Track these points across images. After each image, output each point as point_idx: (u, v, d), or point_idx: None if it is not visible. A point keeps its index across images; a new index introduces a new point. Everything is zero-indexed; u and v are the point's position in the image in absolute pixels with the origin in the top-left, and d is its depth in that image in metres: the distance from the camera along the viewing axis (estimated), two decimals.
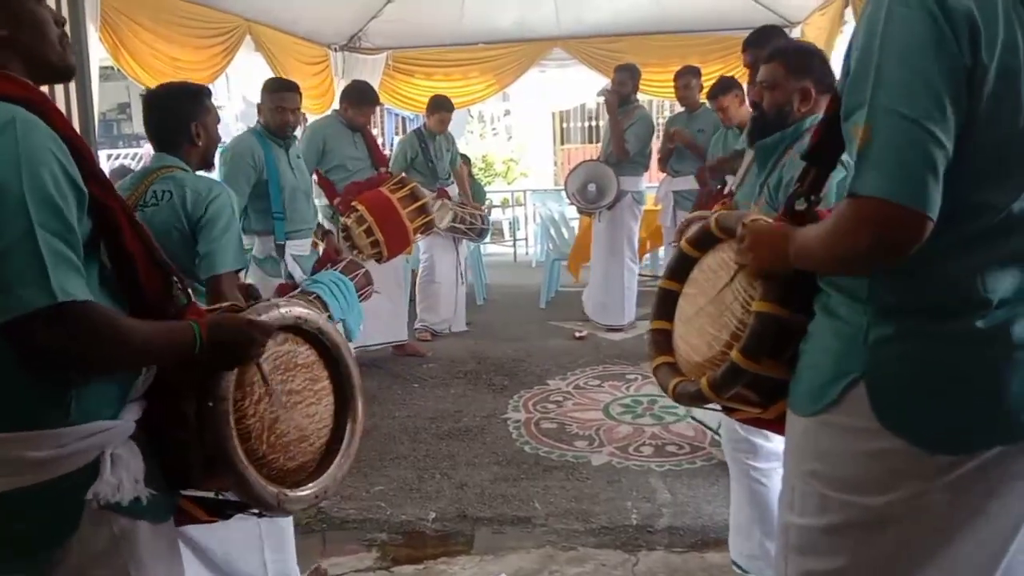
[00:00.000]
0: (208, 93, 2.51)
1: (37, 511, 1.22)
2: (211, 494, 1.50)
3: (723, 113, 4.71)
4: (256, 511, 1.53)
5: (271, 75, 5.93)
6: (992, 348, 1.22)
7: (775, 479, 2.48)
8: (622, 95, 5.75)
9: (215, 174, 2.95)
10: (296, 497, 1.53)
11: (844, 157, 1.49)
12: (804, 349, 1.38)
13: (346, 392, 1.69)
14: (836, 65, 2.57)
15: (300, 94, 4.00)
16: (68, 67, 1.36)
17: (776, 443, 2.39)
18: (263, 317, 1.48)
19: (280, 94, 3.91)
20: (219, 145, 2.57)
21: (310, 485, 1.58)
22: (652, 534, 3.08)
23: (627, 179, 5.78)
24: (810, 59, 2.32)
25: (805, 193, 1.46)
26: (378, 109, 8.95)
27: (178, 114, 2.37)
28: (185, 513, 1.52)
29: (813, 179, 1.47)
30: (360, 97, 5.10)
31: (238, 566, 2.45)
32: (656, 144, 6.08)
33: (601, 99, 5.93)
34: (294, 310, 1.59)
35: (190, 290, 1.45)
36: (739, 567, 2.63)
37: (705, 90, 5.75)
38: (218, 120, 2.50)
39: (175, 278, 1.38)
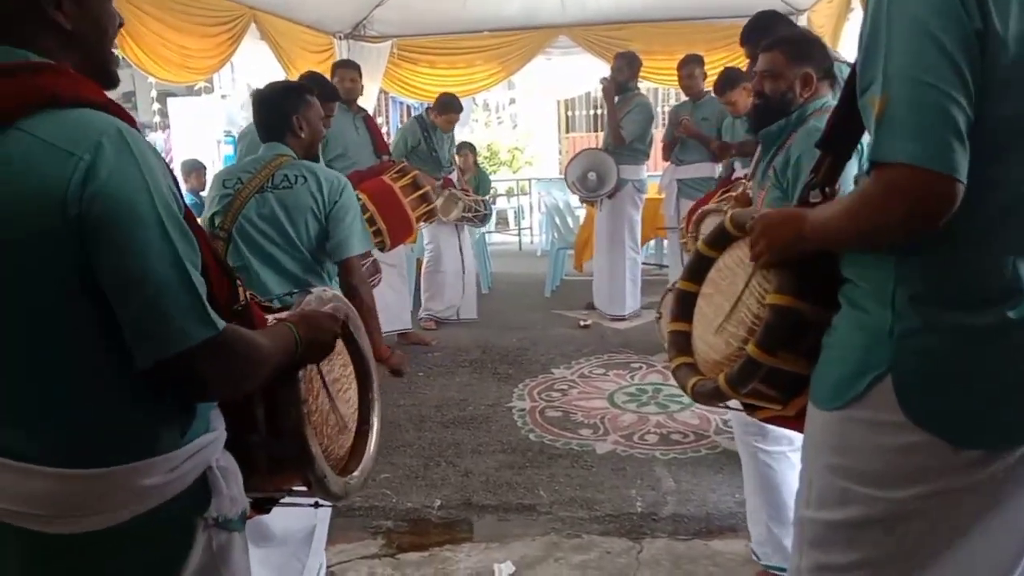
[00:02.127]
0: (310, 90, 2.68)
1: (151, 540, 1.15)
2: (264, 494, 1.47)
3: (732, 107, 4.67)
4: (314, 503, 1.53)
5: (276, 63, 5.95)
6: (1021, 340, 1.19)
7: (783, 463, 2.49)
8: (619, 82, 5.72)
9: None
10: (355, 483, 1.56)
11: (860, 146, 1.49)
12: (827, 343, 1.35)
13: (366, 374, 1.72)
14: (844, 51, 2.57)
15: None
16: (116, 77, 1.25)
17: None
18: (327, 308, 1.51)
19: (331, 104, 3.91)
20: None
21: (359, 469, 1.60)
22: (656, 522, 3.09)
23: (628, 168, 5.75)
24: (809, 45, 2.35)
25: (820, 184, 1.45)
26: (383, 97, 8.95)
27: (281, 108, 2.57)
28: None
29: (828, 169, 1.45)
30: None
31: (289, 535, 2.49)
32: (659, 133, 6.05)
33: (601, 87, 5.87)
34: (331, 299, 1.61)
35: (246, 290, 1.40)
36: (755, 554, 2.64)
37: (709, 79, 5.75)
38: (321, 115, 2.66)
39: (238, 280, 1.33)
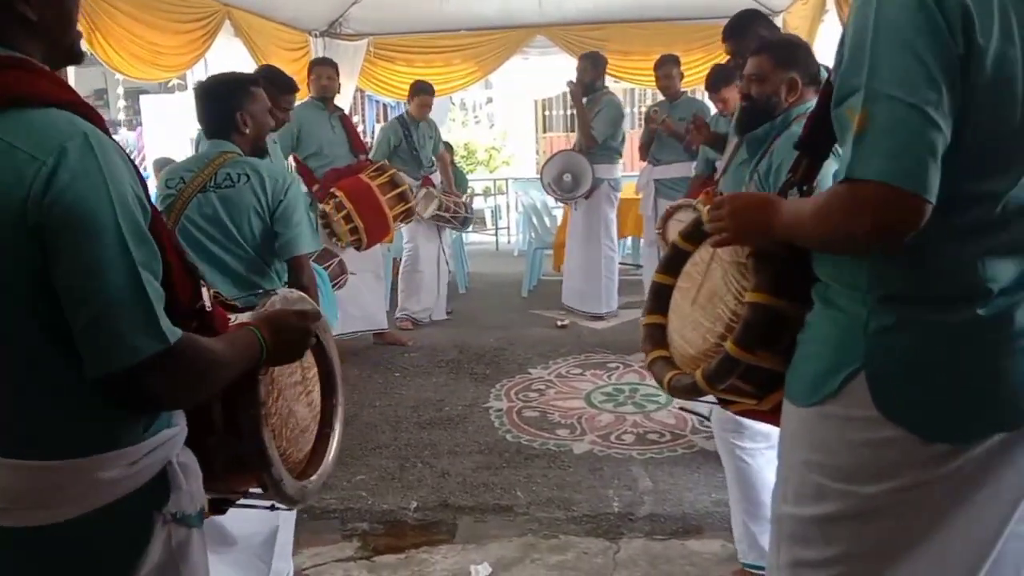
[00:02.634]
0: (255, 82, 2.59)
1: (108, 534, 1.14)
2: (221, 495, 1.46)
3: (723, 104, 4.67)
4: (269, 505, 1.51)
5: (250, 61, 5.88)
6: (994, 337, 1.22)
7: (759, 459, 2.50)
8: (584, 83, 5.76)
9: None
10: (312, 487, 1.54)
11: (837, 148, 1.50)
12: (802, 339, 1.37)
13: (330, 375, 1.69)
14: (819, 54, 2.61)
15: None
16: (82, 54, 1.24)
17: (763, 424, 2.40)
18: (296, 308, 1.48)
19: (288, 96, 3.85)
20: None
21: (317, 473, 1.58)
22: (633, 522, 3.09)
23: (602, 167, 5.79)
24: (796, 51, 2.38)
25: (798, 183, 1.47)
26: (359, 95, 8.89)
27: (225, 103, 2.49)
28: None
29: (806, 169, 1.47)
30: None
31: (252, 538, 2.47)
32: (635, 133, 6.08)
33: (566, 89, 5.92)
34: (299, 300, 1.59)
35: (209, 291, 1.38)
36: (739, 552, 2.65)
37: (686, 79, 5.76)
38: (267, 107, 2.58)
39: (201, 279, 1.31)
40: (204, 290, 1.28)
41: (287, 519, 2.58)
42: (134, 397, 1.10)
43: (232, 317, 1.39)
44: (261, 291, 2.43)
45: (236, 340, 1.26)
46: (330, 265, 3.69)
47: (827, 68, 2.98)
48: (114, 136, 1.16)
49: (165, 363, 1.08)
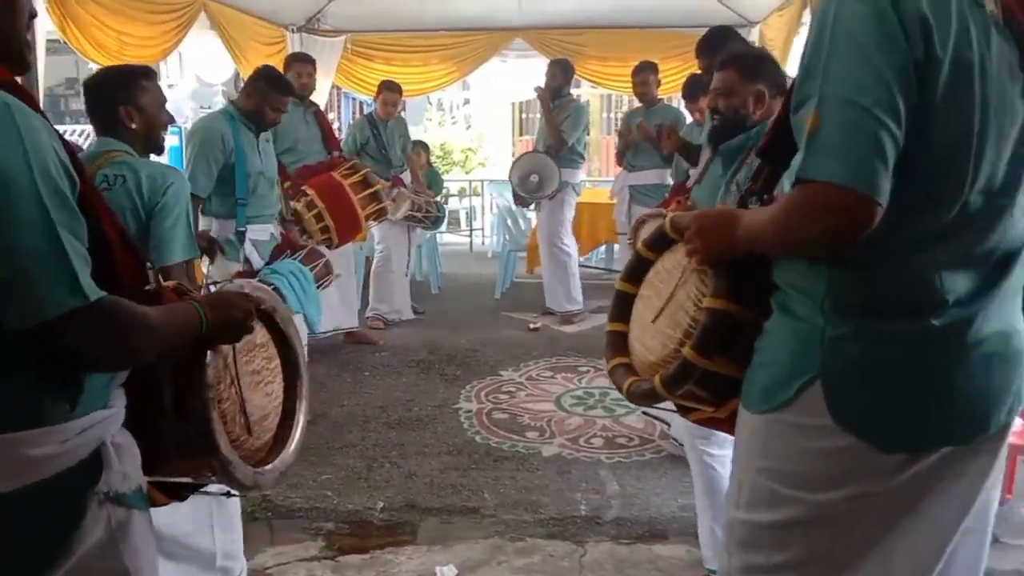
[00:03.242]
0: (144, 74, 2.43)
1: (40, 510, 1.16)
2: (174, 479, 1.47)
3: (700, 114, 4.70)
4: (225, 492, 1.54)
5: (226, 54, 5.82)
6: (947, 347, 1.24)
7: (727, 465, 2.51)
8: (553, 88, 5.86)
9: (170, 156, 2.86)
10: (266, 474, 1.55)
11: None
12: (759, 347, 1.38)
13: (294, 369, 1.70)
14: (793, 65, 2.64)
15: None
16: (28, 62, 1.28)
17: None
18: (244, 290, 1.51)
19: (286, 99, 3.78)
20: (171, 127, 2.50)
21: (274, 462, 1.59)
22: (600, 525, 3.10)
23: (566, 171, 5.89)
24: (761, 63, 2.41)
25: (758, 192, 1.48)
26: (335, 92, 8.84)
27: (106, 98, 2.34)
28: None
29: (767, 177, 1.48)
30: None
31: (190, 543, 2.42)
32: (611, 139, 6.12)
33: (536, 95, 6.02)
34: (253, 291, 1.60)
35: (159, 274, 1.40)
36: (704, 560, 2.65)
37: (663, 86, 5.80)
38: (162, 101, 2.43)
39: (148, 263, 1.34)
40: (151, 273, 1.31)
41: (226, 521, 2.49)
42: (55, 354, 1.12)
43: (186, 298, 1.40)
44: None
45: (173, 311, 1.30)
46: (316, 266, 3.66)
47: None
48: (85, 125, 1.18)
49: (85, 319, 1.10)
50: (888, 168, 1.14)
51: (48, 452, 1.14)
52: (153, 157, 2.48)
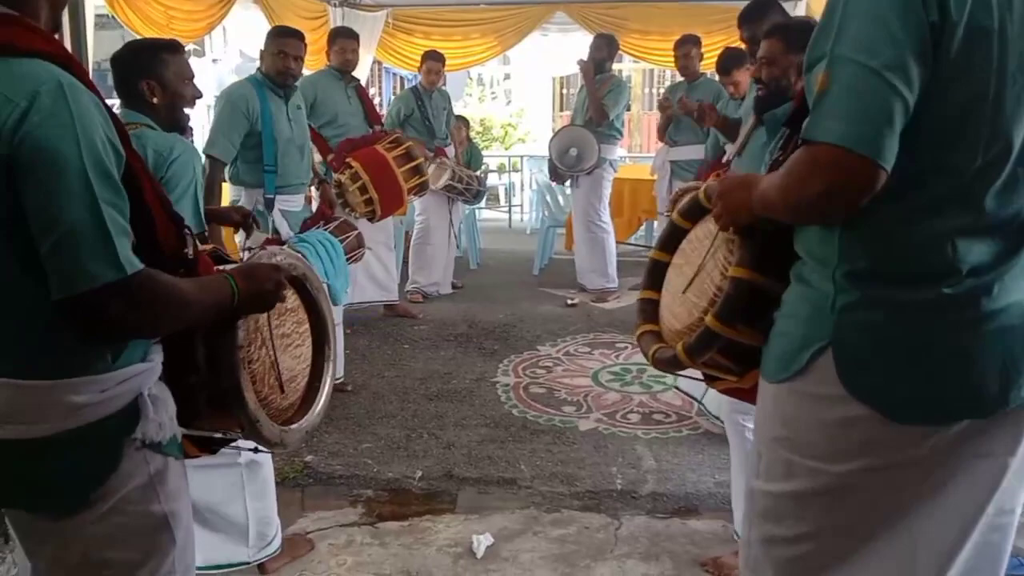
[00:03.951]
0: (169, 47, 2.43)
1: (80, 453, 1.25)
2: (205, 432, 1.53)
3: (734, 87, 4.64)
4: (253, 448, 1.60)
5: (268, 28, 5.86)
6: (960, 317, 1.21)
7: None
8: (597, 61, 5.79)
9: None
10: (292, 432, 1.61)
11: None
12: (777, 316, 1.38)
13: (323, 333, 1.76)
14: None
15: (305, 44, 3.84)
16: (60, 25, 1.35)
17: None
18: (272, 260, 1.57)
19: (283, 39, 3.77)
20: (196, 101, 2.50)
21: (301, 421, 1.66)
22: (636, 499, 3.12)
23: (605, 146, 5.85)
24: (805, 34, 2.35)
25: (785, 161, 1.47)
26: (376, 67, 8.86)
27: (129, 72, 2.35)
28: None
29: (795, 146, 1.47)
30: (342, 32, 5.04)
31: (222, 511, 2.51)
32: (652, 114, 6.07)
33: (579, 68, 5.96)
34: (285, 257, 1.66)
35: (197, 241, 1.45)
36: (737, 534, 2.66)
37: (706, 60, 5.72)
38: (187, 76, 2.41)
39: (185, 230, 1.39)
40: (190, 240, 1.36)
41: (259, 487, 2.56)
42: (94, 321, 1.18)
43: (220, 268, 1.45)
44: None
45: (206, 283, 1.36)
46: (347, 238, 3.67)
47: None
48: None
49: (123, 291, 1.16)
50: (894, 131, 1.12)
51: (89, 400, 1.22)
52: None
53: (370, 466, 3.39)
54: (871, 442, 1.25)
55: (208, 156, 3.53)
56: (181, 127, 2.45)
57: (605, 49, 5.86)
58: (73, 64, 1.21)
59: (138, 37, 4.68)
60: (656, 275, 1.74)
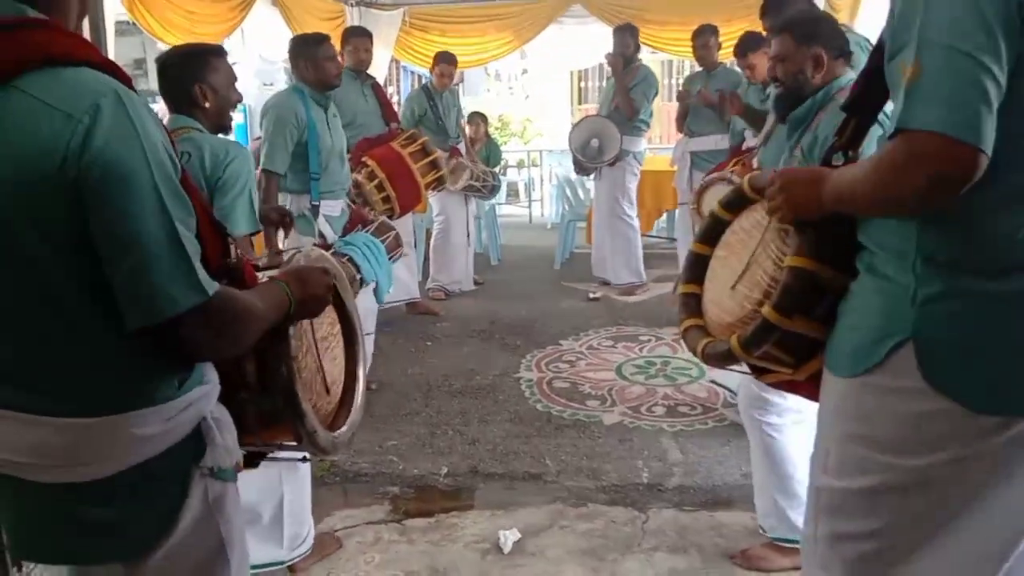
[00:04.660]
0: (217, 52, 2.48)
1: (150, 490, 1.17)
2: (255, 448, 1.49)
3: (751, 71, 4.62)
4: (301, 457, 1.58)
5: (286, 31, 5.88)
6: None
7: (786, 434, 2.49)
8: (626, 56, 5.75)
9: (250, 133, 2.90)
10: (341, 437, 1.58)
11: (882, 114, 1.47)
12: (845, 309, 1.35)
13: (351, 332, 1.74)
14: (862, 27, 2.55)
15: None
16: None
17: (789, 399, 2.39)
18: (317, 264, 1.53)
19: (325, 46, 3.84)
20: (241, 104, 2.56)
21: (345, 426, 1.62)
22: (662, 492, 3.10)
23: (628, 139, 5.78)
24: (816, 26, 2.36)
25: (843, 147, 1.44)
26: (394, 66, 8.87)
27: (180, 76, 2.39)
28: None
29: (852, 132, 1.44)
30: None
31: (259, 510, 2.52)
32: (672, 105, 6.02)
33: (608, 63, 5.93)
34: (320, 258, 1.65)
35: (237, 248, 1.42)
36: (762, 528, 2.64)
37: (724, 50, 5.67)
38: (232, 80, 2.47)
39: (229, 238, 1.34)
40: (232, 247, 1.30)
41: (297, 486, 2.58)
42: (173, 348, 1.12)
43: (259, 276, 1.41)
44: None
45: (266, 294, 1.29)
46: (387, 238, 3.72)
47: (867, 39, 2.93)
48: (154, 104, 1.19)
49: (204, 315, 1.10)
50: (993, 115, 1.09)
51: (154, 431, 1.15)
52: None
53: (396, 463, 3.40)
54: (949, 436, 1.23)
55: (264, 171, 3.61)
56: (227, 130, 2.50)
57: (631, 42, 5.80)
58: (119, 72, 1.13)
59: (158, 43, 4.73)
60: (698, 268, 1.71)
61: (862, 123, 1.44)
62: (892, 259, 1.26)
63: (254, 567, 2.55)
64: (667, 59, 12.49)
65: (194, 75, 2.37)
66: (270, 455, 1.54)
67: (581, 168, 6.19)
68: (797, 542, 2.14)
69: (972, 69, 1.08)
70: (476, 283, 6.34)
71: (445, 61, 5.87)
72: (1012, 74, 1.11)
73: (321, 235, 3.70)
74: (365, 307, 2.96)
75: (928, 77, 1.11)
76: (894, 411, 1.27)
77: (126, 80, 1.13)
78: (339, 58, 3.89)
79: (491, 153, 6.68)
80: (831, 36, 2.30)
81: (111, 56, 3.98)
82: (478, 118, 6.80)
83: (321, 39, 3.92)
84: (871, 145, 1.67)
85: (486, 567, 2.65)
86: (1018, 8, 1.10)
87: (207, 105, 2.39)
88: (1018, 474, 1.24)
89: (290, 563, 2.60)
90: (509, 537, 2.76)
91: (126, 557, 1.18)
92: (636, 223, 6.09)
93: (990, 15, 1.09)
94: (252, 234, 2.46)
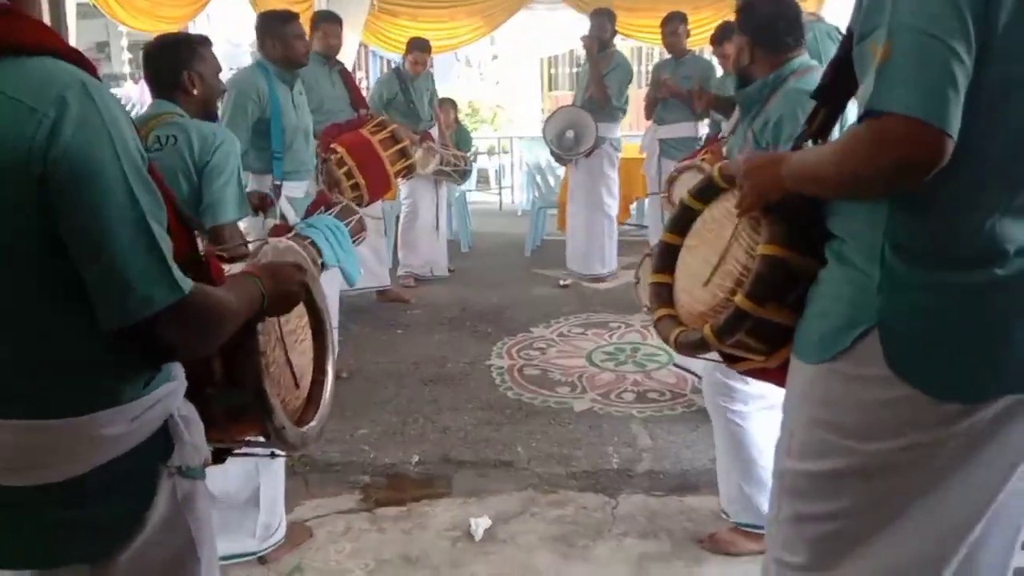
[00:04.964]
0: (203, 42, 2.49)
1: (116, 490, 1.14)
2: (223, 444, 1.47)
3: (725, 60, 4.63)
4: (269, 453, 1.55)
5: (253, 15, 5.80)
6: (1010, 297, 1.21)
7: (751, 421, 2.53)
8: (602, 40, 5.69)
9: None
10: (312, 432, 1.57)
11: (850, 103, 1.49)
12: (813, 296, 1.36)
13: (320, 324, 1.72)
14: (830, 15, 2.58)
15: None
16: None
17: (753, 386, 2.42)
18: (289, 259, 1.50)
19: (294, 24, 3.79)
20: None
21: (313, 420, 1.60)
22: (632, 478, 3.13)
23: (604, 126, 5.73)
24: (742, 13, 2.42)
25: (813, 136, 1.45)
26: (363, 51, 8.79)
27: (172, 63, 2.39)
28: None
29: (822, 121, 1.45)
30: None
31: (235, 499, 2.52)
32: (641, 92, 6.01)
33: (583, 45, 5.84)
34: (289, 250, 1.61)
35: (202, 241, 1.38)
36: (725, 513, 2.68)
37: (693, 37, 5.69)
38: (217, 70, 2.48)
39: (195, 233, 1.29)
40: (199, 241, 1.27)
41: (272, 475, 2.58)
42: (148, 348, 1.10)
43: (226, 268, 1.38)
44: None
45: (239, 290, 1.26)
46: (351, 222, 3.68)
47: (826, 23, 2.98)
48: (116, 89, 1.15)
49: (180, 313, 1.07)
50: (960, 100, 1.10)
51: (121, 431, 1.12)
52: None
53: (366, 452, 3.39)
54: (912, 422, 1.25)
55: None
56: (213, 118, 2.50)
57: (608, 26, 5.73)
58: (84, 61, 1.08)
59: (120, 27, 4.64)
60: (669, 258, 1.71)
61: (832, 112, 1.45)
62: (861, 248, 1.28)
63: (225, 557, 2.55)
64: (636, 46, 12.51)
65: (184, 63, 2.38)
66: (237, 451, 1.51)
67: (559, 158, 6.16)
68: (762, 528, 2.18)
69: (942, 53, 1.09)
70: (448, 270, 6.32)
71: (418, 48, 5.81)
72: (979, 62, 1.12)
73: (283, 216, 3.62)
74: (328, 295, 2.94)
75: (898, 60, 1.11)
76: (859, 397, 1.29)
77: (91, 69, 1.09)
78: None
79: (461, 139, 6.65)
80: (755, 23, 2.35)
81: (72, 40, 3.91)
82: (448, 104, 6.76)
83: (290, 17, 3.86)
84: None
85: (457, 554, 2.66)
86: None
87: (195, 93, 2.40)
88: (978, 459, 1.27)
89: (261, 554, 2.59)
90: (480, 524, 2.77)
91: (92, 558, 1.15)
92: (614, 212, 6.06)
93: (960, 1, 1.09)
94: (240, 219, 2.44)
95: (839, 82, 1.40)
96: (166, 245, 1.07)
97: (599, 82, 5.64)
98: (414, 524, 2.85)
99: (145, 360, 1.14)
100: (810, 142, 1.45)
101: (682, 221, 1.71)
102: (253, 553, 2.58)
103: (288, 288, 1.37)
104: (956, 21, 1.09)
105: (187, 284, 1.08)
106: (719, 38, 4.58)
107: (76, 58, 1.09)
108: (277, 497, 2.64)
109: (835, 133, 1.71)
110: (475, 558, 2.64)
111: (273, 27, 3.77)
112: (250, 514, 2.54)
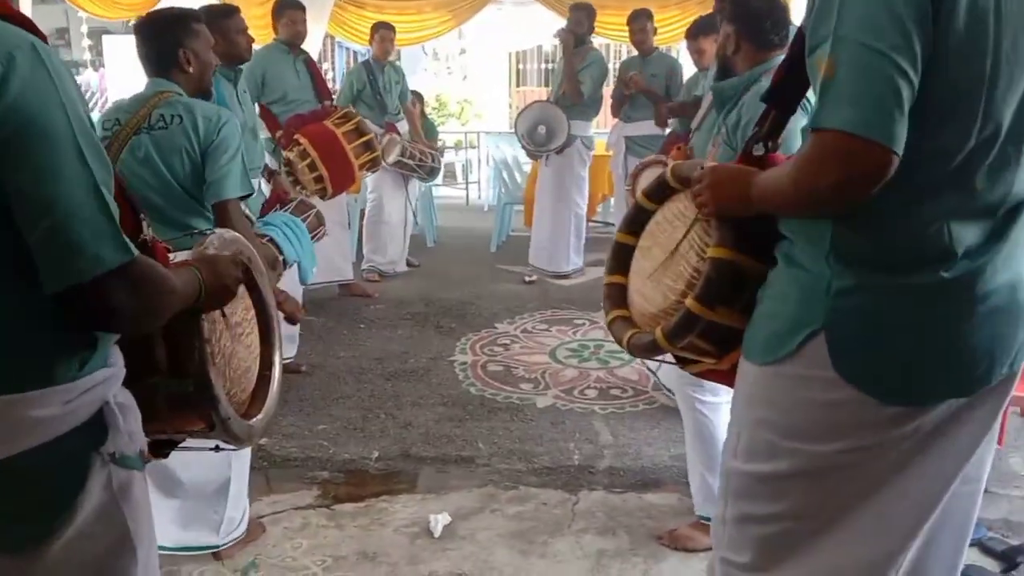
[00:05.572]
0: (197, 17, 2.46)
1: (43, 476, 1.10)
2: (165, 436, 1.44)
3: (699, 55, 4.61)
4: (214, 447, 1.53)
5: (215, 2, 5.70)
6: (956, 300, 1.22)
7: (718, 413, 2.53)
8: (578, 35, 5.63)
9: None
10: (258, 425, 1.55)
11: (805, 101, 1.49)
12: (762, 297, 1.36)
13: (267, 318, 1.69)
14: (797, 16, 2.61)
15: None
16: None
17: None
18: (226, 252, 1.47)
19: (235, 18, 3.71)
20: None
21: (260, 414, 1.58)
22: (593, 474, 3.13)
23: (577, 123, 5.68)
24: (739, 5, 2.39)
25: (764, 137, 1.44)
26: (328, 42, 8.70)
27: (169, 40, 2.36)
28: None
29: (772, 122, 1.44)
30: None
31: (205, 490, 2.49)
32: (608, 89, 6.01)
33: (557, 41, 5.78)
34: (234, 241, 1.58)
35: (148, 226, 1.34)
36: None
37: (659, 35, 5.71)
38: (210, 44, 2.45)
39: (141, 215, 1.26)
40: (144, 225, 1.24)
41: (240, 469, 2.57)
42: (89, 312, 1.07)
43: (170, 257, 1.36)
44: (196, 231, 2.38)
45: (181, 275, 1.24)
46: (307, 216, 3.64)
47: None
48: (77, 75, 1.11)
49: (127, 277, 1.05)
50: (904, 116, 1.10)
51: (52, 413, 1.08)
52: None
53: (326, 448, 3.35)
54: (858, 424, 1.26)
55: None
56: (208, 95, 2.48)
57: (585, 21, 5.65)
58: (35, 28, 1.06)
59: (80, 12, 4.53)
60: (622, 258, 1.70)
61: (783, 113, 1.44)
62: (808, 249, 1.28)
63: (188, 548, 2.50)
64: (604, 43, 12.55)
65: (179, 39, 2.35)
66: (180, 444, 1.48)
67: (529, 153, 6.11)
68: None
69: (886, 68, 1.09)
70: (411, 265, 6.28)
71: (384, 27, 5.75)
72: (924, 72, 1.12)
73: None
74: (289, 289, 2.91)
75: (842, 76, 1.11)
76: (804, 399, 1.29)
77: (42, 37, 1.07)
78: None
79: (428, 131, 6.60)
80: (752, 18, 2.32)
81: None
82: (414, 97, 6.71)
83: (231, 11, 3.80)
84: (795, 137, 1.70)
85: (416, 551, 2.64)
86: (931, 5, 1.10)
87: (190, 71, 2.37)
88: (923, 462, 1.28)
89: (221, 548, 2.55)
90: (440, 521, 2.75)
91: (14, 549, 1.11)
92: (583, 210, 6.02)
93: (904, 13, 1.09)
94: (244, 197, 2.43)
95: (786, 84, 1.39)
96: (115, 209, 1.06)
97: (573, 79, 5.57)
98: (372, 520, 2.82)
99: (74, 335, 1.10)
100: (760, 144, 1.45)
101: (636, 221, 1.69)
102: (214, 547, 2.55)
103: (224, 282, 1.35)
104: (900, 36, 1.09)
105: (134, 249, 1.07)
106: (696, 32, 4.57)
107: (28, 25, 1.06)
108: (242, 491, 2.61)
109: (797, 138, 1.73)
110: (434, 555, 2.62)
111: (213, 22, 3.71)
112: (216, 507, 2.51)
